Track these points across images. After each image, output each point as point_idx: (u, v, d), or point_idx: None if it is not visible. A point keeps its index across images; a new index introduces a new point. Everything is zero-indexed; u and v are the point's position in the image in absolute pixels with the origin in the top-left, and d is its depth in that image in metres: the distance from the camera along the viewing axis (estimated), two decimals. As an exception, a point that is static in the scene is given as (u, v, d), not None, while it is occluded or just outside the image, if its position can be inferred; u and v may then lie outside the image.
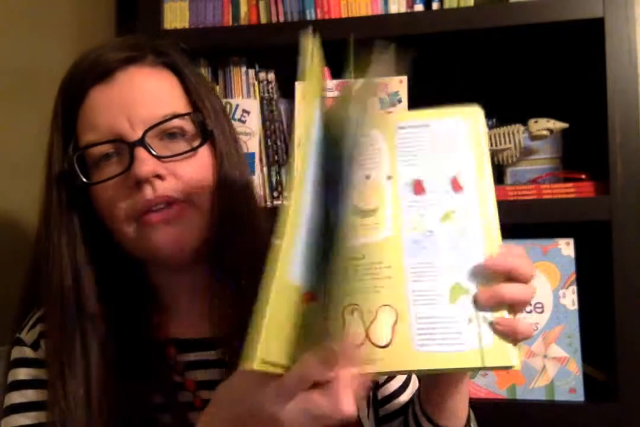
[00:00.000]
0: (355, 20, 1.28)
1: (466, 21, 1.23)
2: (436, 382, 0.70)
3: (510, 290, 0.58)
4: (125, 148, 0.70)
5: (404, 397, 0.84)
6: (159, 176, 0.69)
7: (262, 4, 1.35)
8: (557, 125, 1.26)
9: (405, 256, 0.60)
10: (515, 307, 0.59)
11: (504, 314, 0.59)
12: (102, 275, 0.74)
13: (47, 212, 0.74)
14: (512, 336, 0.58)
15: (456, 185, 0.62)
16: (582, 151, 1.29)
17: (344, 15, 1.30)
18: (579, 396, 1.20)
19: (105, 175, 0.71)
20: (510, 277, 0.59)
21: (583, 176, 1.24)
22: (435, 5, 1.28)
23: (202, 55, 1.36)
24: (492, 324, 0.58)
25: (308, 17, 1.32)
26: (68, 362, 0.70)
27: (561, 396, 1.21)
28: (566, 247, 1.22)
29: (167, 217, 0.70)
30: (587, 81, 1.27)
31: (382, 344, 0.59)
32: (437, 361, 0.58)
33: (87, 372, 0.70)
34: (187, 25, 1.36)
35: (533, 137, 1.27)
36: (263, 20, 1.34)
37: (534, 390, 1.22)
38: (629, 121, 1.17)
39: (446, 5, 1.27)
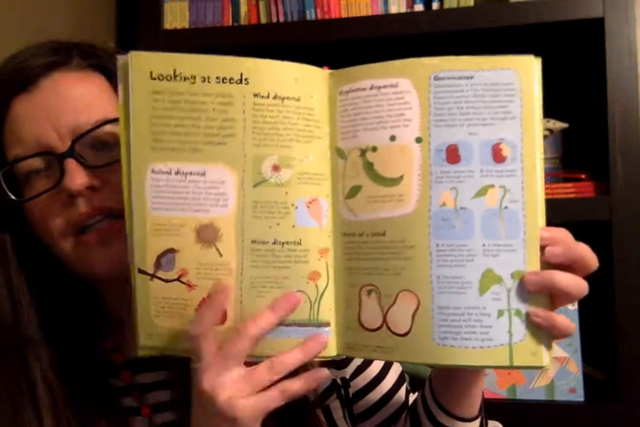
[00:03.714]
0: (355, 20, 1.28)
1: (466, 21, 1.23)
2: (455, 377, 0.66)
3: (564, 278, 0.52)
4: (55, 161, 0.65)
5: (383, 388, 0.79)
6: (93, 188, 0.65)
7: (262, 4, 1.35)
8: (557, 125, 1.26)
9: (431, 235, 0.53)
10: (559, 300, 0.53)
11: (540, 307, 0.52)
12: (46, 298, 0.70)
13: None
14: (548, 331, 0.52)
15: (498, 155, 0.53)
16: (582, 151, 1.29)
17: (344, 15, 1.30)
18: (579, 396, 1.21)
19: (36, 191, 0.66)
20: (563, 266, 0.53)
21: (583, 176, 1.24)
22: (435, 5, 1.28)
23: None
24: (526, 317, 0.52)
25: (308, 17, 1.32)
26: (15, 399, 0.66)
27: (561, 396, 1.21)
28: (566, 247, 1.22)
29: (104, 234, 0.65)
30: (587, 81, 1.27)
31: (400, 333, 0.54)
32: (459, 357, 0.52)
33: (36, 408, 0.66)
34: (187, 25, 1.37)
35: (533, 137, 1.27)
36: (263, 20, 1.35)
37: (534, 390, 1.22)
38: (629, 121, 1.17)
39: (446, 5, 1.27)
